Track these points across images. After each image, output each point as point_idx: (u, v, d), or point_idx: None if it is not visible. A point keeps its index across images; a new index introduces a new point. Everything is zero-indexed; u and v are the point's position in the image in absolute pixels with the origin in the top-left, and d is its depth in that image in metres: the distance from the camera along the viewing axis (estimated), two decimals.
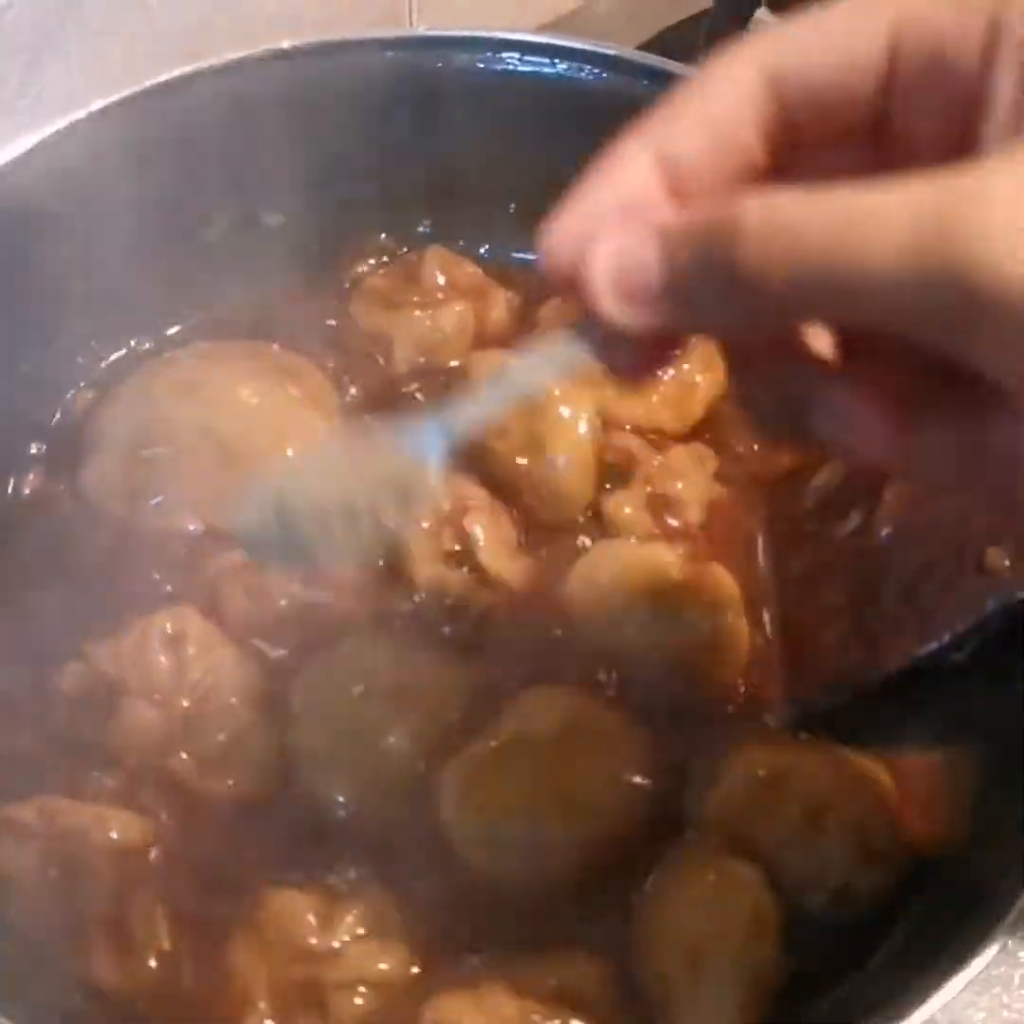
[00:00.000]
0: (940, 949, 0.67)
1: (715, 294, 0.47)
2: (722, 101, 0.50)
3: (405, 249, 1.04)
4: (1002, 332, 0.43)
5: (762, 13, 1.19)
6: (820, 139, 0.52)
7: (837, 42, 0.50)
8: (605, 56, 0.96)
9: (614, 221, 0.49)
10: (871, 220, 0.43)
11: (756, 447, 0.97)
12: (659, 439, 0.96)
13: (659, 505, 0.92)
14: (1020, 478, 0.50)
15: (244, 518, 0.64)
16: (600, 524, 0.92)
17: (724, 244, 0.45)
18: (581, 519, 0.92)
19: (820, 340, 0.51)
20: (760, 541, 0.92)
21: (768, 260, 0.44)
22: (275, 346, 1.00)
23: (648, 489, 0.92)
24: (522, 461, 0.91)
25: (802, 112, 0.51)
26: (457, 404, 0.58)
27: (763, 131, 0.51)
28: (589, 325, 0.51)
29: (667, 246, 0.48)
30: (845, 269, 0.43)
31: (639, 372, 0.54)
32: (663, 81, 0.92)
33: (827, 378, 0.51)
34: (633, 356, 0.52)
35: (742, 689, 0.84)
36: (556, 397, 0.92)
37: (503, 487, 0.91)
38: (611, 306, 0.49)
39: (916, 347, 0.46)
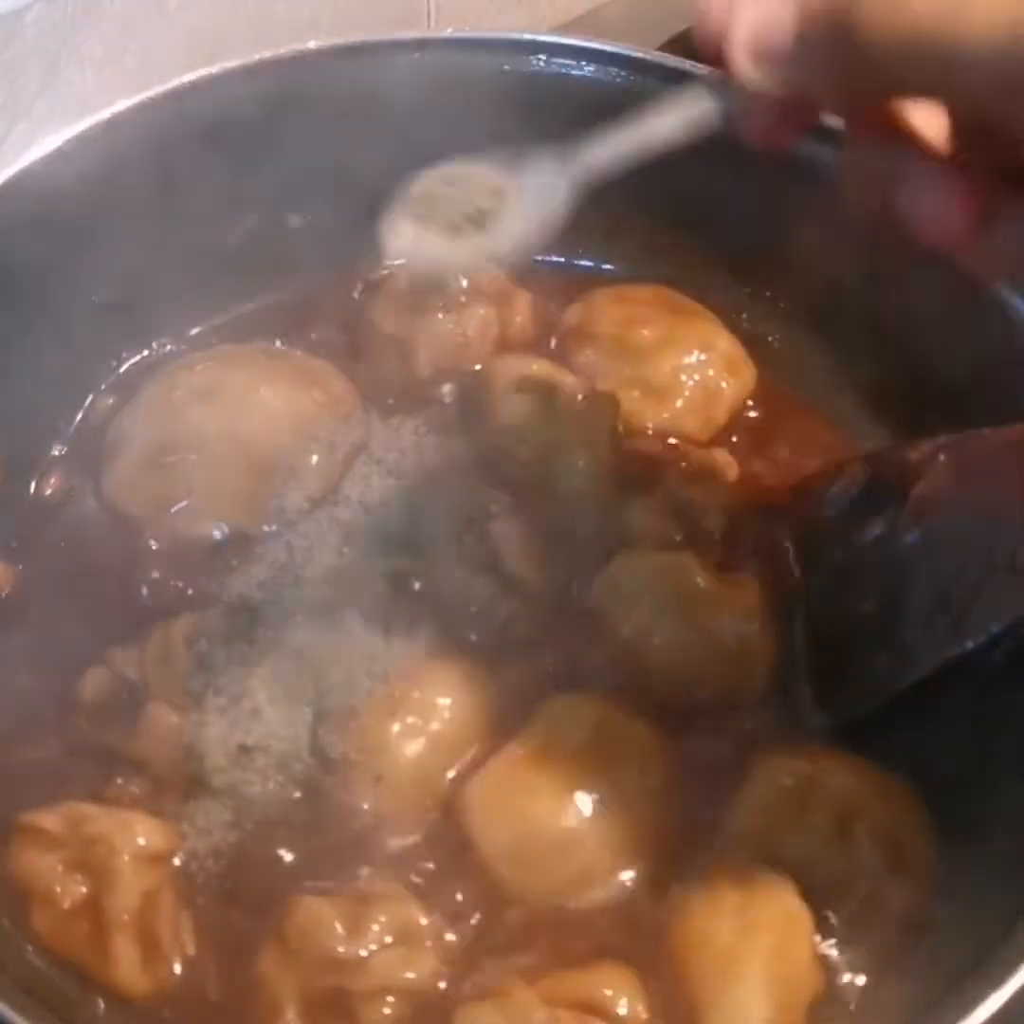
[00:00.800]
0: (973, 966, 0.67)
1: (833, 56, 0.53)
2: None
3: None
4: None
5: None
6: None
7: None
8: (632, 58, 0.95)
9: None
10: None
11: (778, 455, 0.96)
12: (682, 445, 0.96)
13: (680, 512, 0.91)
14: None
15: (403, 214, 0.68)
16: (623, 530, 0.91)
17: (844, 9, 0.51)
18: (603, 525, 0.91)
19: (925, 128, 0.57)
20: (784, 547, 0.91)
21: (879, 27, 0.50)
22: (295, 351, 1.00)
23: (670, 496, 0.91)
24: (543, 467, 0.91)
25: None
26: (592, 143, 0.62)
27: None
28: (723, 84, 0.58)
29: (797, 11, 0.54)
30: (947, 42, 0.49)
31: (764, 135, 0.60)
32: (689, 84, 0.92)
33: (925, 158, 0.57)
34: (760, 120, 0.59)
35: (770, 697, 0.83)
36: (577, 401, 0.91)
37: (525, 492, 0.91)
38: (747, 64, 0.56)
39: (1005, 139, 0.51)
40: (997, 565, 0.75)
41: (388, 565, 0.87)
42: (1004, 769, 0.76)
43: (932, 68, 0.50)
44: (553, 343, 1.00)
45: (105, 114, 0.92)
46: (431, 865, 0.78)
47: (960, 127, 0.57)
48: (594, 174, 0.62)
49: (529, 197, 0.65)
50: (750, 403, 0.98)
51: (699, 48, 0.59)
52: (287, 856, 0.78)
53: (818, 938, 0.74)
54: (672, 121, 0.61)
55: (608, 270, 1.05)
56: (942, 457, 0.83)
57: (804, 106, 0.59)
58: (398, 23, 1.19)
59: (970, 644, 0.74)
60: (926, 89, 0.54)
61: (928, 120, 0.57)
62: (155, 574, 0.88)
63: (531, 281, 1.02)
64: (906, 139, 0.57)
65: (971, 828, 0.76)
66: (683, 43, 1.27)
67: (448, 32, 0.97)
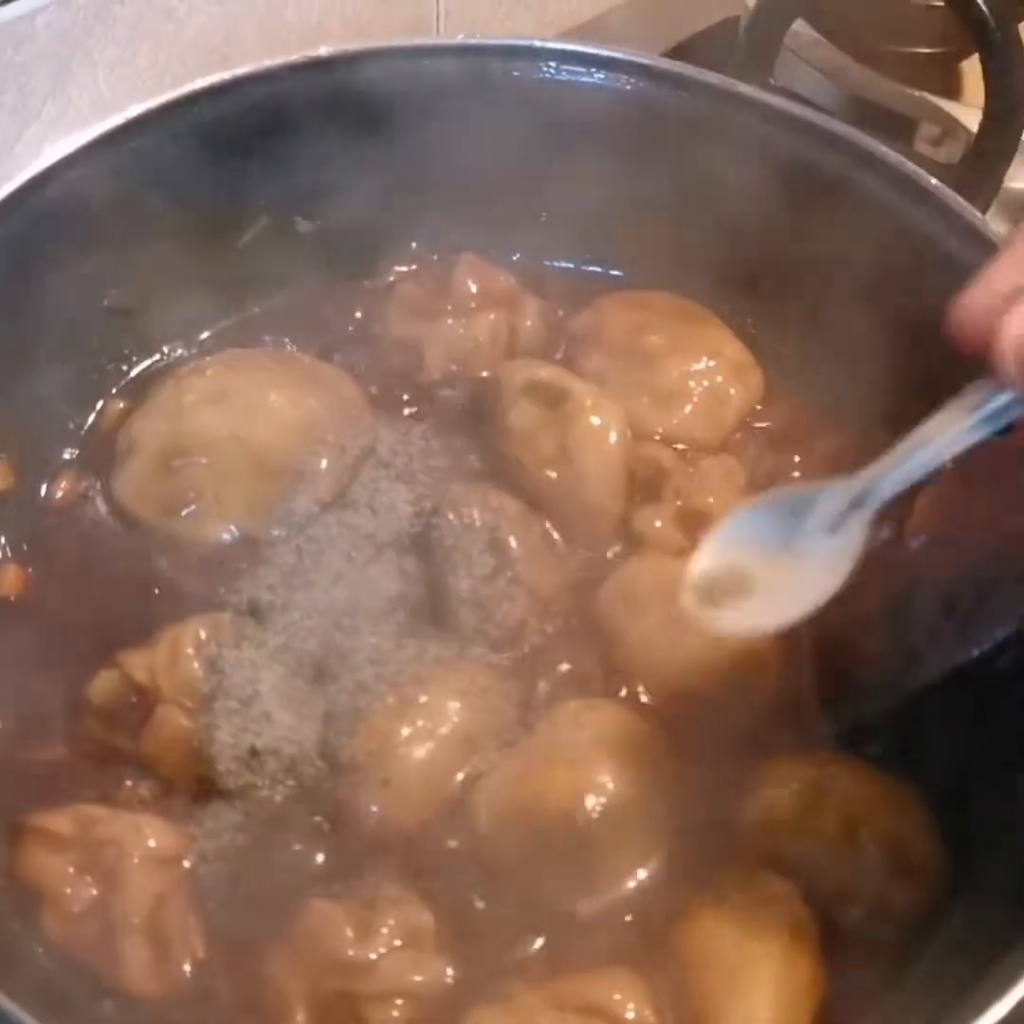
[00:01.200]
0: (979, 972, 0.67)
1: None
2: None
3: (437, 257, 1.04)
4: None
5: (799, 25, 1.19)
6: None
7: None
8: (641, 65, 0.95)
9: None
10: None
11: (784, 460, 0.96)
12: (690, 451, 0.96)
13: (689, 519, 0.91)
14: None
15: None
16: (631, 537, 0.91)
17: None
18: (612, 531, 0.92)
19: None
20: None
21: None
22: (304, 355, 1.00)
23: (678, 503, 0.92)
24: (552, 473, 0.91)
25: None
26: (874, 471, 0.60)
27: None
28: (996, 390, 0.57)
29: None
30: None
31: None
32: (698, 91, 0.93)
33: None
34: None
35: (777, 702, 0.84)
36: (586, 407, 0.92)
37: (534, 499, 0.91)
38: (1016, 373, 0.54)
39: None
40: (1003, 571, 0.75)
41: (397, 569, 0.88)
42: (1010, 775, 0.76)
43: None
44: (562, 349, 1.00)
45: (116, 118, 0.92)
46: (440, 868, 0.78)
47: None
48: (886, 504, 0.62)
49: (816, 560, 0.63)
50: (758, 409, 0.98)
51: (957, 338, 0.58)
52: (296, 859, 0.78)
53: (824, 944, 0.73)
54: (955, 433, 0.60)
55: (617, 277, 1.05)
56: (949, 464, 0.83)
57: None
58: (406, 29, 1.19)
59: (976, 650, 0.75)
60: None
61: None
62: (165, 577, 0.89)
63: (541, 287, 1.02)
64: None
65: (977, 834, 0.76)
66: (689, 50, 1.28)
67: (459, 38, 0.98)
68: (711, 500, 0.92)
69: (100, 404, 0.98)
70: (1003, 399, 0.59)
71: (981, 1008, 0.62)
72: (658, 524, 0.91)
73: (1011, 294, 0.55)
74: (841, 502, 0.63)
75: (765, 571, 0.66)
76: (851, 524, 0.63)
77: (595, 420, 0.92)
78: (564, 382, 0.93)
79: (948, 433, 0.61)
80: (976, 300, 0.57)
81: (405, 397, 0.98)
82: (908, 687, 0.78)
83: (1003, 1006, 0.62)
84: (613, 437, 0.92)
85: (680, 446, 0.96)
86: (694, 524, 0.90)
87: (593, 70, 0.96)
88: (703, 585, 0.67)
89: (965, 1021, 0.63)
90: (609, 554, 0.91)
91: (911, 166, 0.91)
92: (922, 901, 0.76)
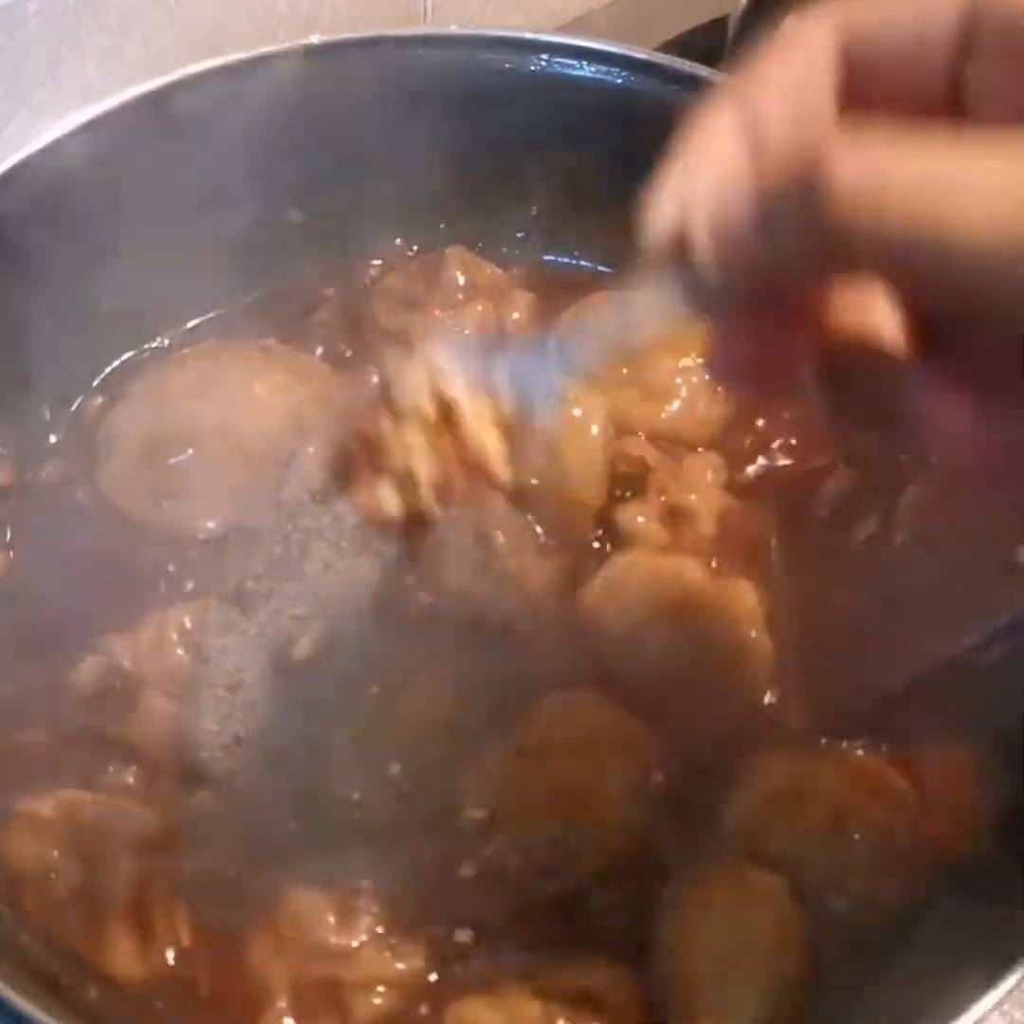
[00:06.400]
0: (968, 964, 0.67)
1: (801, 242, 0.46)
2: (800, 68, 0.51)
3: (421, 249, 1.04)
4: None
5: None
6: (891, 105, 0.51)
7: (913, 4, 0.51)
8: (633, 59, 0.95)
9: (711, 180, 0.49)
10: (965, 185, 0.42)
11: (766, 457, 0.97)
12: (672, 447, 0.96)
13: (672, 516, 0.91)
14: None
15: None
16: (615, 533, 0.91)
17: (813, 195, 0.45)
18: (595, 527, 0.92)
19: (891, 327, 0.51)
20: (775, 550, 0.91)
21: (855, 214, 0.44)
22: (287, 345, 1.00)
23: (662, 499, 0.92)
24: (537, 466, 0.91)
25: (875, 76, 0.51)
26: (571, 338, 0.57)
27: (838, 97, 0.51)
28: (687, 272, 0.51)
29: (761, 194, 0.48)
30: (931, 234, 0.43)
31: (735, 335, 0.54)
32: (691, 85, 0.93)
33: (905, 374, 0.51)
34: (729, 314, 0.53)
35: (763, 698, 0.84)
36: (569, 399, 0.91)
37: (519, 491, 0.91)
38: (707, 253, 0.49)
39: (993, 326, 0.46)
40: (992, 564, 0.75)
41: (385, 560, 0.88)
42: (1000, 768, 0.77)
43: (921, 261, 0.44)
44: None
45: (106, 105, 0.92)
46: (422, 858, 0.77)
47: (926, 320, 0.51)
48: (575, 373, 0.58)
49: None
50: (746, 408, 0.98)
51: (652, 246, 0.52)
52: (279, 846, 0.78)
53: (812, 937, 0.74)
54: (647, 311, 0.54)
55: (605, 272, 1.05)
56: (934, 459, 0.84)
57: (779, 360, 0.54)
58: (395, 22, 1.19)
59: (966, 643, 0.75)
60: (909, 279, 0.47)
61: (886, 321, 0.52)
62: (150, 564, 0.89)
63: (529, 280, 1.02)
64: (875, 353, 0.52)
65: (967, 827, 0.77)
66: (676, 49, 1.28)
67: (452, 29, 0.97)
68: (693, 497, 0.92)
69: (84, 392, 0.98)
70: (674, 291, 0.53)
71: (970, 998, 0.63)
72: (641, 520, 0.91)
73: (699, 179, 0.50)
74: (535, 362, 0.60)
75: None
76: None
77: (576, 413, 0.92)
78: None
79: (641, 312, 0.55)
80: (668, 188, 0.51)
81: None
82: (897, 681, 0.79)
83: (993, 996, 0.63)
84: (594, 430, 0.92)
85: (667, 442, 0.95)
86: (678, 521, 0.91)
87: (584, 63, 0.96)
88: None
89: (954, 1012, 0.63)
90: (594, 548, 0.91)
91: None
92: (911, 893, 0.75)
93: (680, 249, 0.50)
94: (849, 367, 0.53)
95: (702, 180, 0.50)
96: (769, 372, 0.54)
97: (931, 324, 0.51)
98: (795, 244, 0.47)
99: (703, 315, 0.53)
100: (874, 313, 0.51)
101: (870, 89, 0.51)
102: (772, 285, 0.50)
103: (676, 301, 0.52)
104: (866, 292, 0.51)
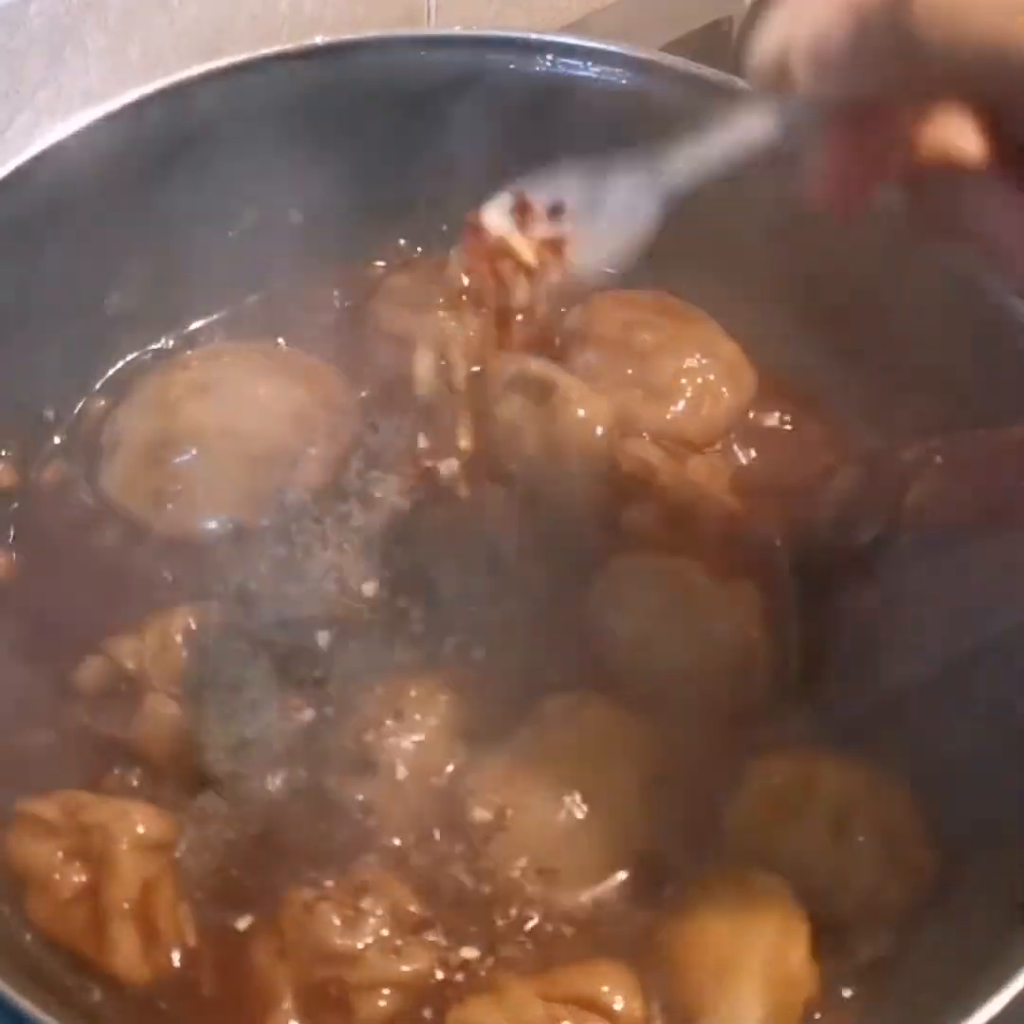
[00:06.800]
0: (970, 968, 0.67)
1: (889, 55, 0.53)
2: None
3: (424, 250, 1.03)
4: None
5: None
6: None
7: None
8: (637, 59, 0.96)
9: (814, 12, 0.55)
10: None
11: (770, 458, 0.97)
12: (676, 447, 0.96)
13: (676, 516, 0.91)
14: None
15: None
16: (619, 533, 0.91)
17: (899, 13, 0.52)
18: (601, 527, 0.91)
19: (968, 141, 0.58)
20: (778, 551, 0.91)
21: (931, 31, 0.51)
22: (290, 346, 1.00)
23: (668, 499, 0.92)
24: (540, 466, 0.91)
25: None
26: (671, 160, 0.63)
27: None
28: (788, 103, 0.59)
29: (855, 14, 0.54)
30: (998, 47, 0.50)
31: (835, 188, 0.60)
32: (696, 87, 0.92)
33: (981, 185, 0.58)
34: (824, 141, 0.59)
35: (767, 698, 0.84)
36: (572, 400, 0.91)
37: (522, 491, 0.91)
38: (808, 73, 0.56)
39: None
40: (996, 565, 0.75)
41: (386, 560, 0.88)
42: (1001, 770, 0.76)
43: (990, 73, 0.51)
44: (556, 344, 1.00)
45: (107, 106, 0.92)
46: (427, 860, 0.78)
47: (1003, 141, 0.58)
48: (676, 193, 0.64)
49: (609, 218, 0.67)
50: (750, 408, 0.98)
51: (756, 81, 0.59)
52: (285, 848, 0.78)
53: (814, 939, 0.74)
54: (744, 136, 0.62)
55: (609, 274, 1.05)
56: (938, 458, 0.84)
57: (875, 155, 0.59)
58: (398, 23, 1.19)
59: (969, 645, 0.75)
60: (979, 89, 0.55)
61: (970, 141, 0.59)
62: (154, 566, 0.89)
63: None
64: (956, 166, 0.59)
65: (968, 829, 0.77)
66: (678, 50, 1.28)
67: (456, 30, 0.97)
68: (697, 498, 0.92)
69: (87, 393, 0.98)
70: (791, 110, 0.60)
71: (975, 1002, 0.63)
72: (645, 521, 0.91)
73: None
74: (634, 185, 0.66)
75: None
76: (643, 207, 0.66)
77: (580, 413, 0.92)
78: (551, 375, 0.93)
79: (737, 137, 0.62)
80: (772, 21, 0.58)
81: (395, 390, 0.98)
82: (899, 682, 0.78)
83: (1000, 1000, 0.62)
84: (598, 431, 0.92)
85: (671, 443, 0.95)
86: (682, 521, 0.91)
87: (589, 63, 0.96)
88: None
89: (959, 1016, 0.63)
90: (598, 548, 0.91)
91: None
92: (912, 895, 0.76)
93: (782, 76, 0.57)
94: (932, 181, 0.59)
95: (806, 12, 0.56)
96: (857, 187, 0.60)
97: (1007, 143, 0.57)
98: (884, 64, 0.54)
99: (797, 138, 0.60)
100: (957, 134, 0.58)
101: None
102: (863, 109, 0.57)
103: (775, 125, 0.60)
104: (951, 117, 0.58)
